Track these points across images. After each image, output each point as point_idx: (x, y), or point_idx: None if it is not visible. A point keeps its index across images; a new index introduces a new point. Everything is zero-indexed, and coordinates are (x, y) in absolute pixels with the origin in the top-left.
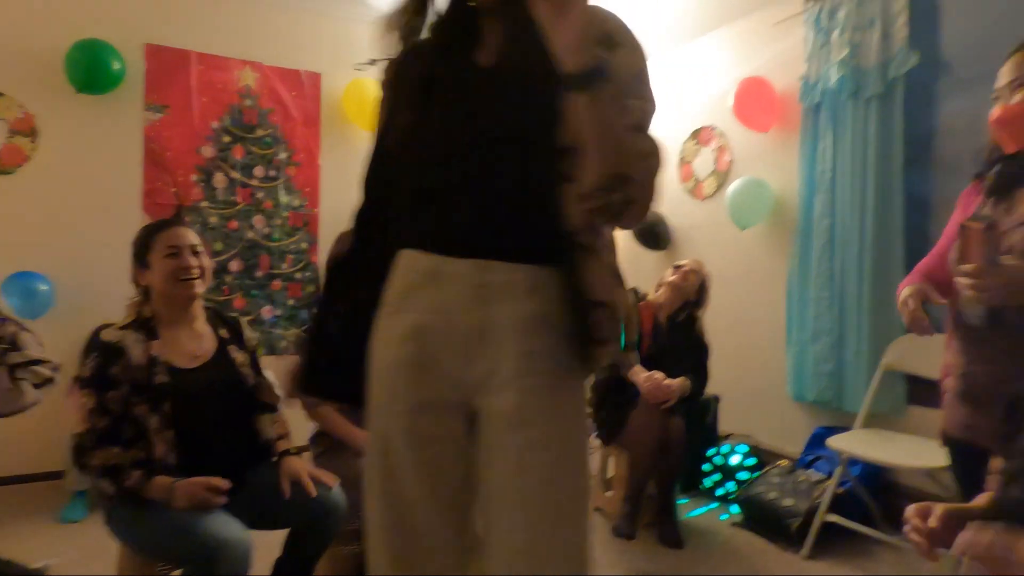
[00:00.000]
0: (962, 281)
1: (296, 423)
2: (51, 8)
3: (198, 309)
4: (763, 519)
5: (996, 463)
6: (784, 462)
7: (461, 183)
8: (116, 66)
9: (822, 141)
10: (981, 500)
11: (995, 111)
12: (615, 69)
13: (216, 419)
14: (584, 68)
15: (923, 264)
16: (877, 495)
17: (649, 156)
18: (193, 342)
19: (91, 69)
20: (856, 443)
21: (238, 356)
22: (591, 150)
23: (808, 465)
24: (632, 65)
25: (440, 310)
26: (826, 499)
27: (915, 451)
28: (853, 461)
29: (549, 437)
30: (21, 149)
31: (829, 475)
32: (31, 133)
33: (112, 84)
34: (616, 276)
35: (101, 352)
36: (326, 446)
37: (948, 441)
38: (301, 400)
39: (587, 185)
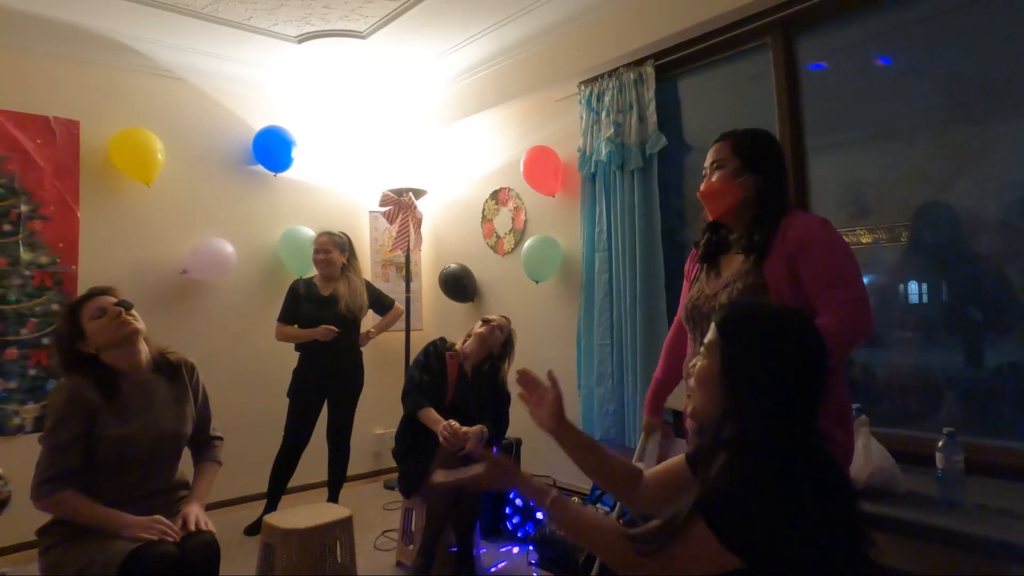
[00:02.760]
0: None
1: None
2: None
3: None
4: (555, 556)
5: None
6: (575, 498)
7: None
8: None
9: (598, 206)
10: None
11: (701, 187)
12: None
13: None
14: None
15: (667, 343)
16: None
17: None
18: None
19: None
20: None
21: None
22: None
23: (596, 500)
24: None
25: None
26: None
27: None
28: None
29: None
30: None
31: (613, 507)
32: None
33: None
34: None
35: None
36: (61, 535)
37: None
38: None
39: None
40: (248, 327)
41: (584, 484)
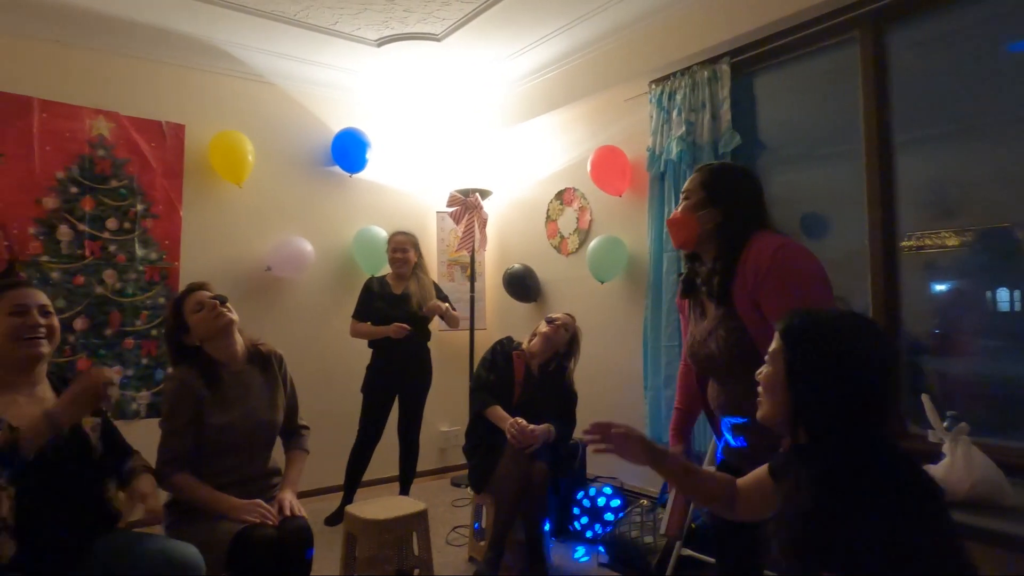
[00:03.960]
0: None
1: None
2: None
3: (41, 373)
4: (626, 558)
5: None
6: (644, 501)
7: None
8: None
9: (667, 205)
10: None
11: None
12: None
13: (62, 485)
14: None
15: (680, 373)
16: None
17: None
18: (33, 406)
19: None
20: None
21: (87, 420)
22: None
23: (666, 503)
24: None
25: None
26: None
27: None
28: None
29: None
30: None
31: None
32: None
33: None
34: None
35: None
36: (180, 513)
37: (722, 465)
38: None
39: None
40: (324, 323)
41: (651, 488)
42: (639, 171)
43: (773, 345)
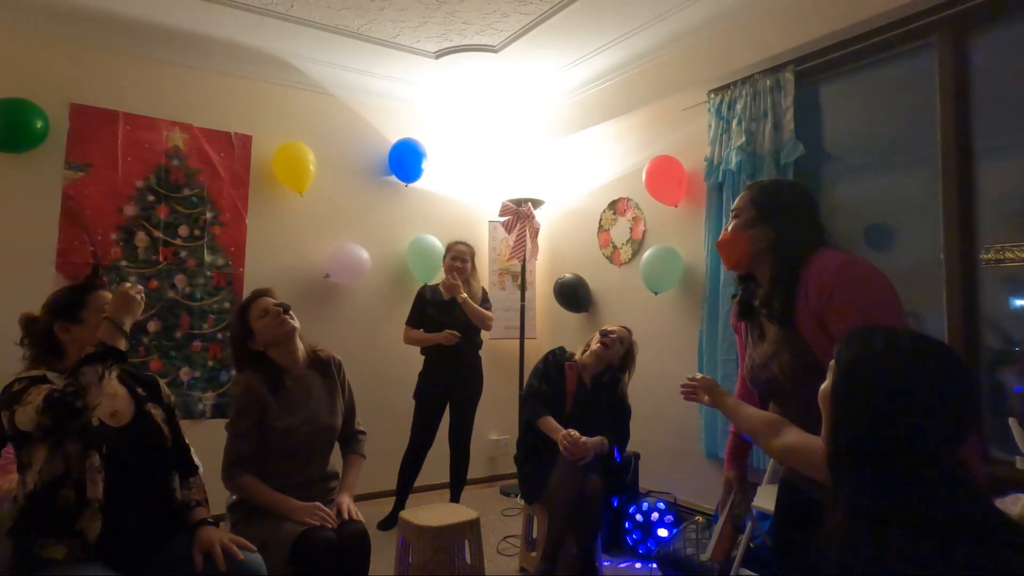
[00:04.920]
0: None
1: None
2: None
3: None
4: (680, 574)
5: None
6: (700, 518)
7: None
8: (39, 125)
9: (725, 216)
10: None
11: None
12: None
13: (135, 478)
14: None
15: (736, 395)
16: None
17: None
18: (110, 405)
19: (13, 128)
20: (764, 498)
21: (156, 412)
22: None
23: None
24: None
25: None
26: (739, 554)
27: None
28: (764, 515)
29: None
30: None
31: (742, 530)
32: None
33: (34, 143)
34: None
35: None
36: (244, 513)
37: (781, 484)
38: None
39: None
40: (378, 330)
41: (706, 504)
42: (695, 181)
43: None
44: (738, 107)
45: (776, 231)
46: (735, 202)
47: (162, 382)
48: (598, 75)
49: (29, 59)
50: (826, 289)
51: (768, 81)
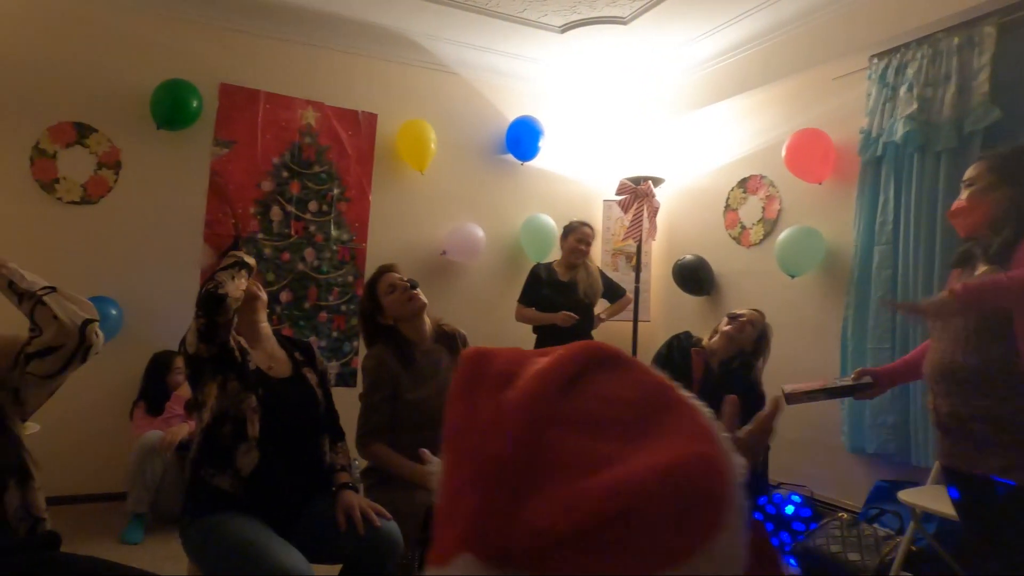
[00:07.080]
0: None
1: None
2: (140, 51)
3: (266, 330)
4: (824, 573)
5: None
6: (844, 515)
7: None
8: (194, 104)
9: (883, 193)
10: None
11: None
12: None
13: (289, 430)
14: None
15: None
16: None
17: None
18: (268, 360)
19: (173, 107)
20: (932, 498)
21: (311, 376)
22: None
23: (872, 520)
24: None
25: None
26: (899, 556)
27: None
28: (928, 517)
29: None
30: (106, 181)
31: (898, 531)
32: (115, 166)
33: (189, 121)
34: None
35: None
36: (376, 479)
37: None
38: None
39: None
40: (492, 308)
41: (846, 500)
42: (845, 156)
43: None
44: (909, 71)
45: (1020, 192)
46: (968, 172)
47: (316, 349)
48: (733, 46)
49: (182, 42)
50: None
51: (956, 39)
